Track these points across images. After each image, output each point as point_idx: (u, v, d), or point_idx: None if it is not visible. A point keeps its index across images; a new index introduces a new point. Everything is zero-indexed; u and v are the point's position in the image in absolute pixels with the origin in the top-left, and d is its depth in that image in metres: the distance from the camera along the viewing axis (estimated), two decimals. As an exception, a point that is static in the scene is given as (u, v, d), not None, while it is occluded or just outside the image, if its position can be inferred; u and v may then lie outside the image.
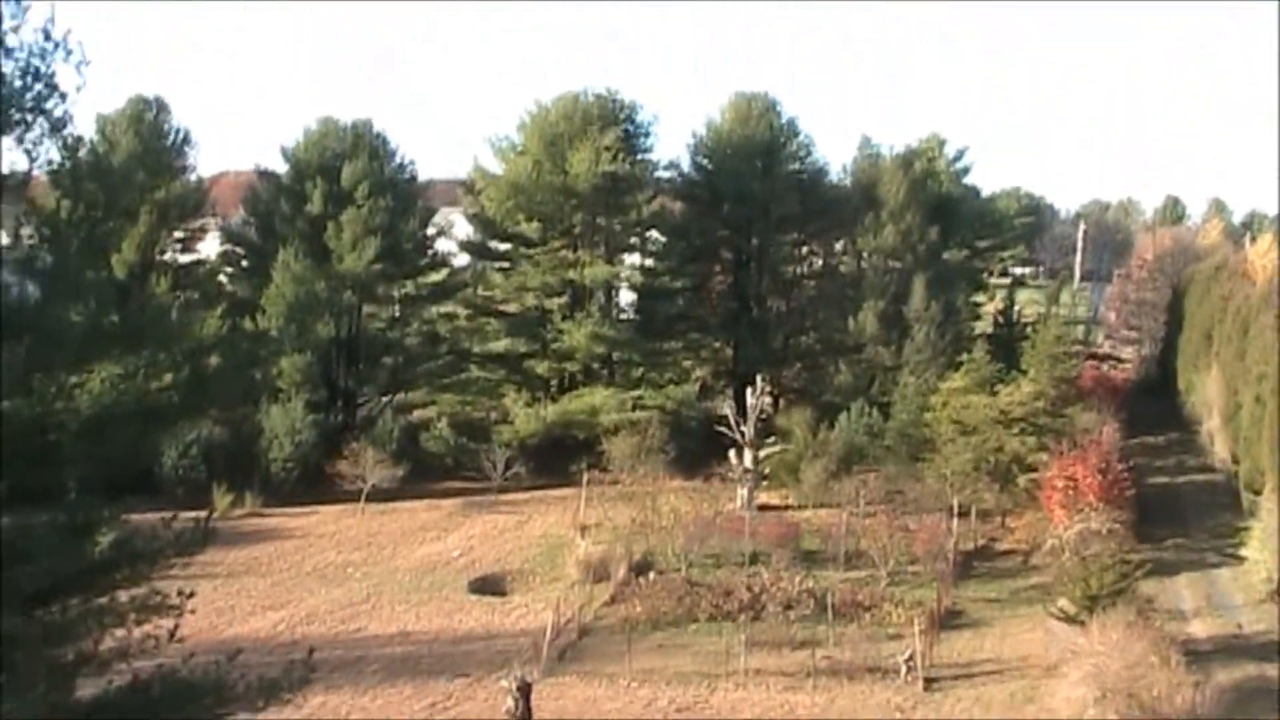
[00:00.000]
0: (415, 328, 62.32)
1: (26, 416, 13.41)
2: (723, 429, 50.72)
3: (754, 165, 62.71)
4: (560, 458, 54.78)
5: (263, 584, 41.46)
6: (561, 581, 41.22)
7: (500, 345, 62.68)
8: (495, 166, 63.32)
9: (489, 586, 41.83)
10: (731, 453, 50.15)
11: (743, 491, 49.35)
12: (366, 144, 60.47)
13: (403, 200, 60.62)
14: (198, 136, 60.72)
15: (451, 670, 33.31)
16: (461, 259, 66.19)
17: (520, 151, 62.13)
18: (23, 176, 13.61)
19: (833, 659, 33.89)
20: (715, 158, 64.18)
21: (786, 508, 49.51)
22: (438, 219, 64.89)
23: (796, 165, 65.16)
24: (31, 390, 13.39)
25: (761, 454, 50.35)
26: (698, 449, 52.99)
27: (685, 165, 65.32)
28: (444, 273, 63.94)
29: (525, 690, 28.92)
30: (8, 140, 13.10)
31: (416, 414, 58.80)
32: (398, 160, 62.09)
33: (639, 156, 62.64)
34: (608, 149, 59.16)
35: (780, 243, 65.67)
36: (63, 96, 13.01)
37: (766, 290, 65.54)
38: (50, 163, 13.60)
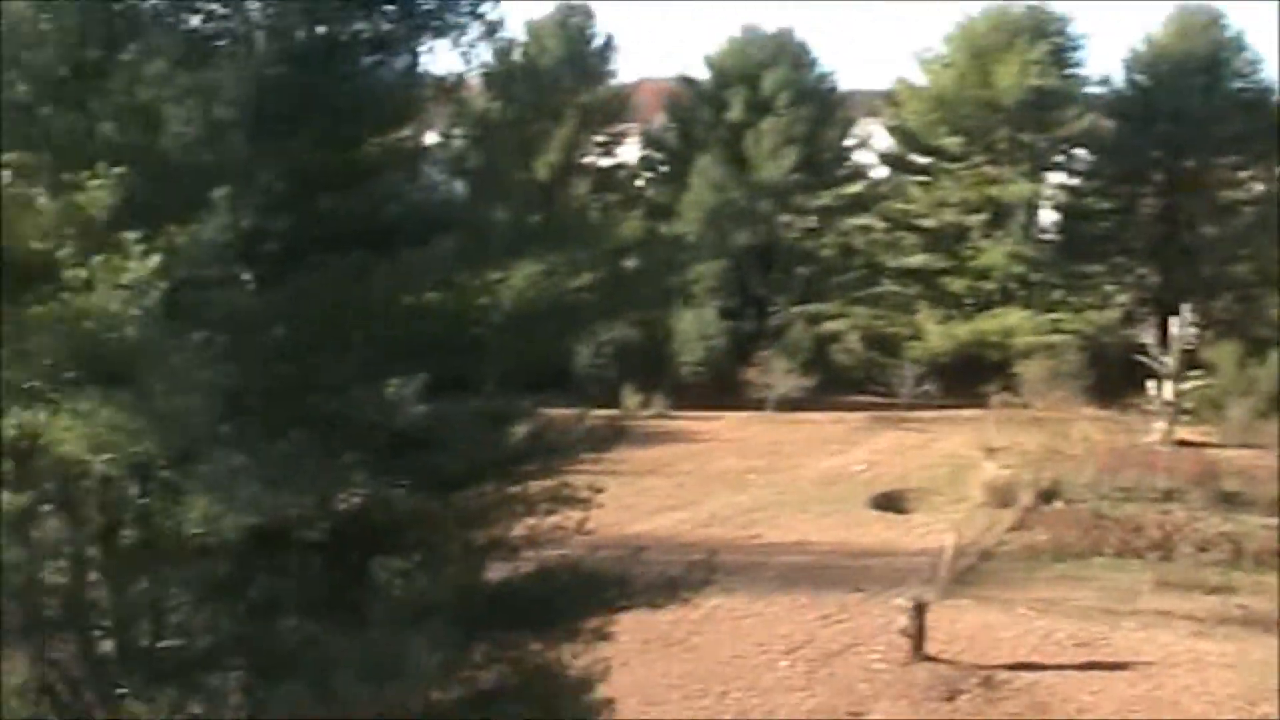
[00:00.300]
0: (830, 239, 62.14)
1: (451, 309, 13.94)
2: (1143, 358, 48.78)
3: (1194, 82, 59.46)
4: (971, 377, 53.81)
5: (666, 484, 42.39)
6: (964, 504, 40.58)
7: (916, 260, 61.85)
8: (919, 79, 62.35)
9: (890, 503, 41.58)
10: (1151, 384, 48.19)
11: (1160, 425, 47.39)
12: (788, 53, 60.64)
13: (823, 110, 60.60)
14: (620, 43, 62.08)
15: (847, 583, 33.24)
16: (879, 171, 65.45)
17: (946, 64, 60.97)
18: (457, 79, 14.07)
19: (1248, 608, 32.10)
20: (1152, 73, 61.22)
21: (1207, 445, 47.13)
22: (857, 130, 64.31)
23: (1241, 83, 61.46)
24: (456, 285, 13.90)
25: (1183, 387, 48.20)
26: (1115, 377, 51.06)
27: (1119, 81, 62.60)
28: (862, 185, 63.45)
29: (920, 610, 28.66)
30: (444, 43, 13.55)
31: (827, 325, 58.75)
32: (819, 70, 61.94)
33: (1068, 71, 60.53)
34: (1036, 62, 57.37)
35: (1218, 165, 62.09)
36: (496, 0, 13.32)
37: (1199, 215, 62.25)
38: (483, 65, 13.98)
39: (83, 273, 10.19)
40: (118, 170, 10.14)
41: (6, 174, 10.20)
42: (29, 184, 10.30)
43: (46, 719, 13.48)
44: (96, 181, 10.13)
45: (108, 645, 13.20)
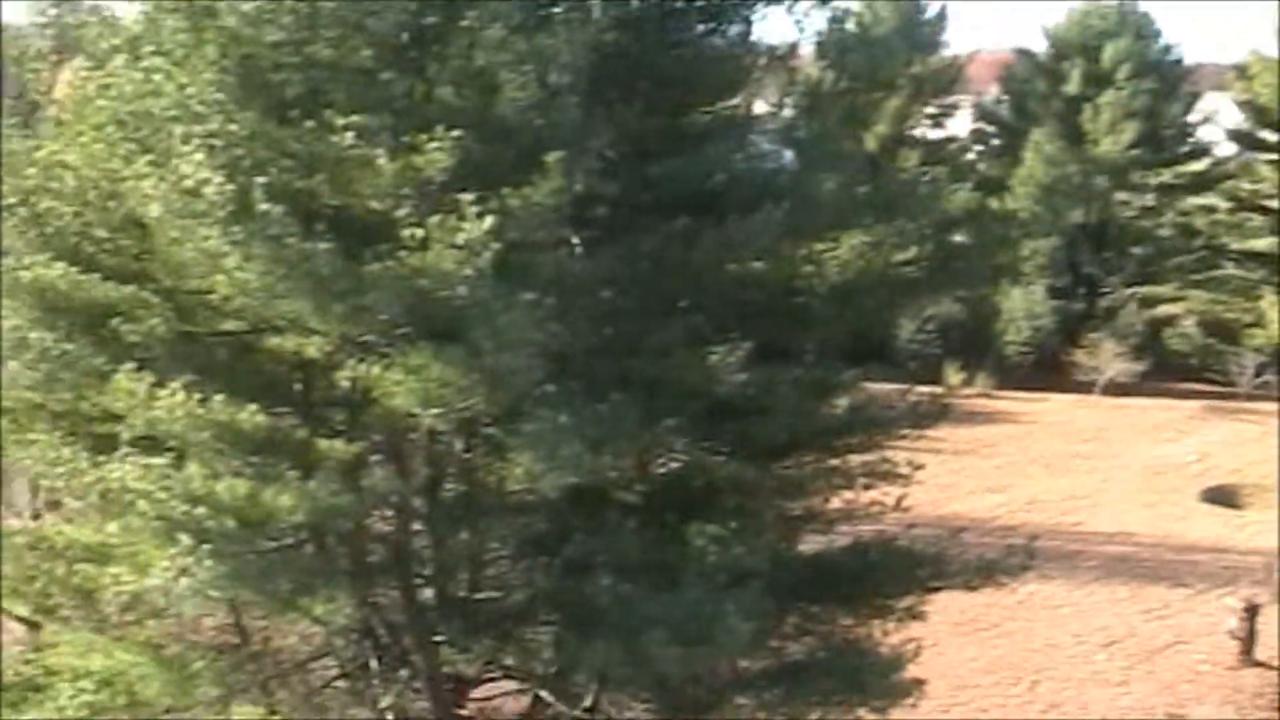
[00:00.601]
0: (1169, 218, 59.62)
1: (777, 279, 13.88)
2: None
3: None
4: (1317, 370, 51.05)
5: (985, 465, 41.55)
6: (1305, 503, 38.59)
7: (1262, 243, 58.66)
8: (1275, 51, 59.26)
9: (1222, 497, 39.76)
10: None
11: None
12: (1131, 23, 58.39)
13: (1166, 83, 58.15)
14: (955, 14, 60.98)
15: (1172, 579, 31.97)
16: (1225, 148, 62.48)
17: (1305, 35, 57.77)
18: (789, 48, 13.97)
19: None
20: None
21: None
22: (1203, 105, 61.53)
23: None
24: (782, 254, 13.84)
25: None
26: None
27: None
28: (1205, 162, 60.71)
29: (1253, 612, 27.36)
30: (778, 11, 13.47)
31: (1162, 309, 56.38)
32: (1162, 42, 59.58)
33: None
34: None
35: None
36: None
37: None
38: (816, 34, 13.85)
39: (419, 232, 10.50)
40: (454, 133, 10.40)
41: (348, 135, 10.56)
42: (369, 145, 10.65)
43: (367, 659, 14.07)
44: (434, 144, 10.41)
45: (428, 593, 13.68)
